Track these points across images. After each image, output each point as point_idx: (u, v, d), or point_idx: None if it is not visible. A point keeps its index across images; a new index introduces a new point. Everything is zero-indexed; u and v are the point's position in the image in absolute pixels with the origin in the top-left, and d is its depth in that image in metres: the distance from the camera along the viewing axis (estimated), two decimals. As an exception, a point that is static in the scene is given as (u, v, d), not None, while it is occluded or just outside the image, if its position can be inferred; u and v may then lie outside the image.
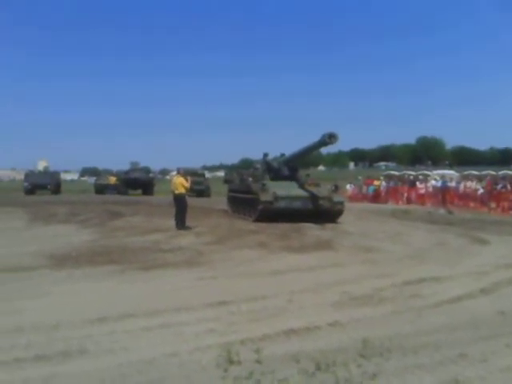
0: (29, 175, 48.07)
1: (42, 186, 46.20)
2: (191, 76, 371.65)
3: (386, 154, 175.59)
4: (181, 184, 16.94)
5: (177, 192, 16.99)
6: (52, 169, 54.04)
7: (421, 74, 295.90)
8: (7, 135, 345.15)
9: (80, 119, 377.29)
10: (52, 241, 13.96)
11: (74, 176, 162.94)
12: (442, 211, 25.87)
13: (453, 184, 31.48)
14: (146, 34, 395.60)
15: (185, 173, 18.17)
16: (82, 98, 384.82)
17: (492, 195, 27.78)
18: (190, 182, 17.77)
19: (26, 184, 46.51)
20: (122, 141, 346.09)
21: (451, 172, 48.78)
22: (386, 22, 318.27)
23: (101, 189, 47.96)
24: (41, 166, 67.09)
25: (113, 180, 48.10)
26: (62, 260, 10.71)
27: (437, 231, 17.15)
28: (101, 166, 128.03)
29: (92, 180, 62.73)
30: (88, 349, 5.22)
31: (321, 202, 19.11)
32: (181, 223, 16.58)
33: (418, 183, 34.48)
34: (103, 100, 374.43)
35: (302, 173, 22.65)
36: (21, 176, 78.50)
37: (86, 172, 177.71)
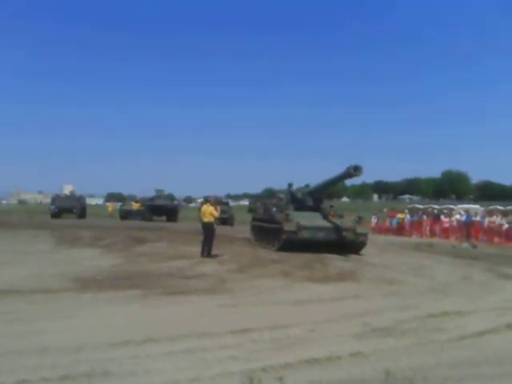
0: (55, 199, 48.78)
1: (68, 209, 46.86)
2: (216, 103, 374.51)
3: (410, 187, 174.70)
4: (210, 213, 17.11)
5: (205, 220, 17.12)
6: (77, 193, 54.62)
7: (448, 107, 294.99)
8: (35, 159, 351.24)
9: (106, 145, 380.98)
10: (77, 264, 14.12)
11: (99, 201, 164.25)
12: (466, 245, 25.64)
13: (477, 218, 31.18)
14: (170, 58, 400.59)
15: (215, 202, 18.40)
16: (108, 124, 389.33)
17: (517, 231, 27.46)
18: (219, 211, 17.98)
19: (52, 207, 47.20)
20: (147, 167, 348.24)
21: (476, 206, 48.24)
22: (415, 55, 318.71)
23: (125, 214, 48.36)
24: (67, 190, 67.90)
25: (136, 206, 48.43)
26: (87, 283, 10.84)
27: (461, 265, 17.00)
28: (126, 191, 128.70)
29: (117, 206, 63.38)
30: (112, 371, 5.27)
31: (344, 233, 19.10)
32: (207, 251, 16.69)
33: (442, 217, 34.23)
34: (128, 126, 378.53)
35: (325, 204, 22.68)
36: (47, 199, 79.58)
37: (110, 197, 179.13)
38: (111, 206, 60.91)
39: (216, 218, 17.59)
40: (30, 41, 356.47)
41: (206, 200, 18.73)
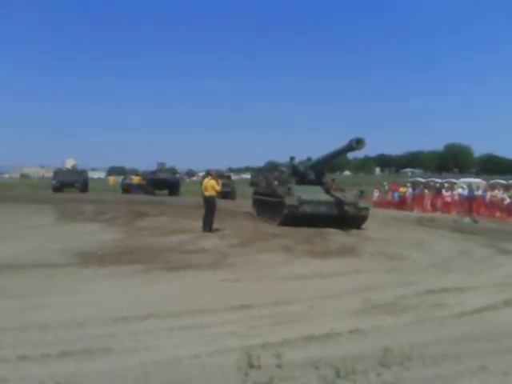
0: (57, 173, 48.82)
1: (70, 183, 46.83)
2: (217, 77, 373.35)
3: (412, 160, 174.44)
4: (211, 186, 17.03)
5: (207, 194, 17.06)
6: (79, 167, 54.60)
7: (450, 78, 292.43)
8: (37, 133, 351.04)
9: (108, 118, 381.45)
10: (79, 239, 14.17)
11: (101, 174, 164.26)
12: (467, 220, 25.64)
13: (479, 193, 31.08)
14: (176, 34, 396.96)
15: (216, 176, 18.28)
16: (111, 97, 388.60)
17: (519, 205, 27.39)
18: (220, 185, 17.93)
19: (54, 182, 47.27)
20: (149, 141, 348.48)
21: (478, 180, 48.20)
22: (413, 23, 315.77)
23: (127, 188, 48.41)
24: (69, 164, 67.92)
25: (136, 179, 48.48)
26: (88, 258, 10.87)
27: (462, 240, 16.99)
28: (128, 165, 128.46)
29: (119, 179, 63.31)
30: (112, 347, 5.31)
31: (346, 207, 19.07)
32: (208, 225, 16.66)
33: (443, 191, 34.13)
34: (131, 99, 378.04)
35: (327, 177, 22.63)
36: (49, 173, 79.63)
37: (112, 171, 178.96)
38: (112, 179, 60.65)
39: (218, 192, 17.54)
40: (31, 15, 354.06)
41: (208, 173, 18.51)
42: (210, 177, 17.82)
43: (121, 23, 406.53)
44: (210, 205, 16.96)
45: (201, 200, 17.95)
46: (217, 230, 16.72)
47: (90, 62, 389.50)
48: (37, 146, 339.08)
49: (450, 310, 7.39)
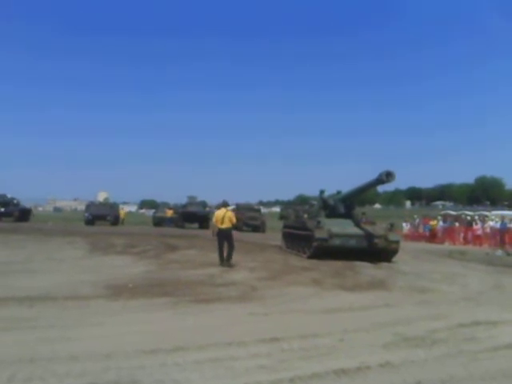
0: (90, 206, 49.67)
1: (102, 216, 47.46)
2: (247, 109, 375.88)
3: (443, 193, 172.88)
4: (229, 219, 16.43)
5: (224, 227, 16.36)
6: (111, 200, 55.31)
7: (478, 110, 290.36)
8: (69, 167, 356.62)
9: (139, 152, 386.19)
10: (109, 271, 14.24)
11: (133, 208, 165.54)
12: (499, 253, 25.26)
13: (512, 225, 30.69)
14: (211, 66, 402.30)
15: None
16: (142, 131, 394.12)
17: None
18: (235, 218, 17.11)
19: (86, 214, 47.95)
20: (180, 174, 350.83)
21: (510, 213, 47.40)
22: (447, 54, 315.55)
23: (158, 221, 48.88)
24: (101, 197, 68.60)
25: (169, 213, 48.95)
26: (118, 290, 10.92)
27: (494, 273, 16.74)
28: (159, 199, 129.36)
29: (150, 212, 63.39)
30: (139, 380, 5.30)
31: (376, 240, 18.94)
32: (227, 258, 16.27)
33: (473, 224, 33.77)
34: (162, 133, 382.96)
35: (357, 211, 22.55)
36: (82, 206, 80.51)
37: (144, 204, 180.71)
38: (123, 212, 59.19)
39: (234, 225, 16.88)
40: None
41: (224, 205, 17.40)
42: (225, 208, 16.97)
43: (153, 63, 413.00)
44: (230, 238, 16.41)
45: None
46: (237, 264, 16.41)
47: (121, 96, 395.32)
48: (70, 180, 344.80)
49: (482, 345, 7.25)
